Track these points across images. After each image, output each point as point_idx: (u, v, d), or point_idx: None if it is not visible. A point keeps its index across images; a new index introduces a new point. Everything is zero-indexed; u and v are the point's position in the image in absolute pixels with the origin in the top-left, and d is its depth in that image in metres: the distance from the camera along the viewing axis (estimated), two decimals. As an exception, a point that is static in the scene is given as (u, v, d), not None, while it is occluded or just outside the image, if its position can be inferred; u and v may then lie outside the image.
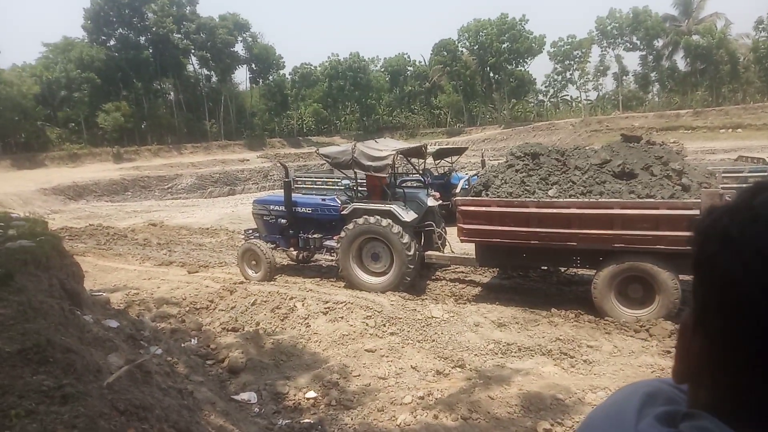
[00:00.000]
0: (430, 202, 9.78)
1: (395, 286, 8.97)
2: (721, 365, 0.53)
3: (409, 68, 67.06)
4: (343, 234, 9.22)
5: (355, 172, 9.63)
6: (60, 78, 45.68)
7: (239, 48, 56.45)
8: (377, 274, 9.28)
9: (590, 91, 61.43)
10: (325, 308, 8.01)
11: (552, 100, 65.48)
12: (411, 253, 8.81)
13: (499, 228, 8.03)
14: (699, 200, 6.76)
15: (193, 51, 53.83)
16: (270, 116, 60.46)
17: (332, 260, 10.11)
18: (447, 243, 9.71)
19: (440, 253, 9.59)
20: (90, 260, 11.74)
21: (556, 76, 61.54)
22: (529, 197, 7.92)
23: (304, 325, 7.66)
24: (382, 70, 67.29)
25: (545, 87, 64.01)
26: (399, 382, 5.93)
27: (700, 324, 0.55)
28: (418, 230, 9.52)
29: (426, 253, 9.47)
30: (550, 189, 7.98)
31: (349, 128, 63.95)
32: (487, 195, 8.34)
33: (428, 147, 12.25)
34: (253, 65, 58.45)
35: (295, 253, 11.21)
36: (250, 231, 11.20)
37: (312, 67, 64.58)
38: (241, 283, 9.65)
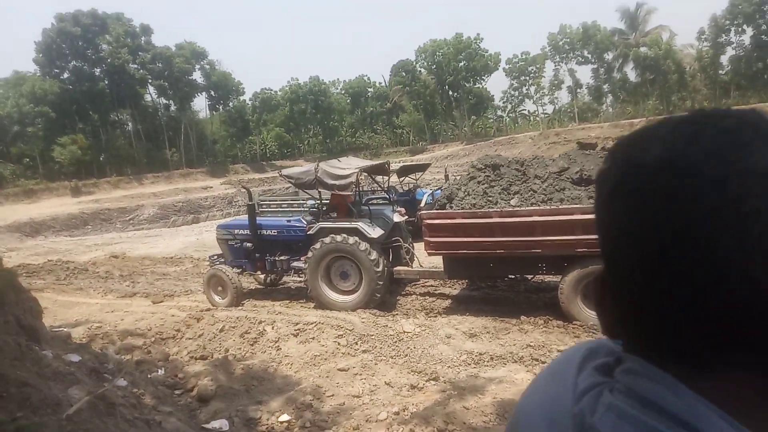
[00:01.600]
0: (396, 218, 9.79)
1: (365, 304, 8.90)
2: (626, 310, 0.55)
3: (369, 89, 67.78)
4: (310, 254, 9.13)
5: (320, 192, 9.58)
6: (12, 113, 44.58)
7: (197, 76, 56.23)
8: (347, 292, 9.21)
9: (547, 104, 63.24)
10: (296, 330, 7.89)
11: (510, 115, 66.98)
12: (380, 269, 8.77)
13: (465, 239, 8.08)
14: None
15: (150, 80, 53.28)
16: (232, 142, 60.06)
17: (300, 281, 9.99)
18: (415, 257, 9.72)
19: (409, 268, 9.58)
20: (49, 296, 11.33)
21: (513, 92, 63.11)
22: (492, 207, 8.03)
23: (274, 348, 7.52)
24: (343, 92, 67.80)
25: (503, 102, 65.55)
26: (373, 399, 5.87)
27: (603, 278, 0.57)
28: (385, 246, 9.50)
29: (395, 268, 9.45)
30: (512, 198, 8.11)
31: (313, 151, 63.97)
32: (451, 207, 8.39)
33: (392, 165, 12.33)
34: (212, 92, 58.17)
35: (262, 276, 11.05)
36: (215, 257, 10.99)
37: (272, 92, 64.61)
38: (208, 310, 9.44)
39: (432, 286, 10.42)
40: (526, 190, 8.14)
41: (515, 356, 6.71)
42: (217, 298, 9.89)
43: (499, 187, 8.38)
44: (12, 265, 14.43)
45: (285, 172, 10.14)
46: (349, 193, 9.29)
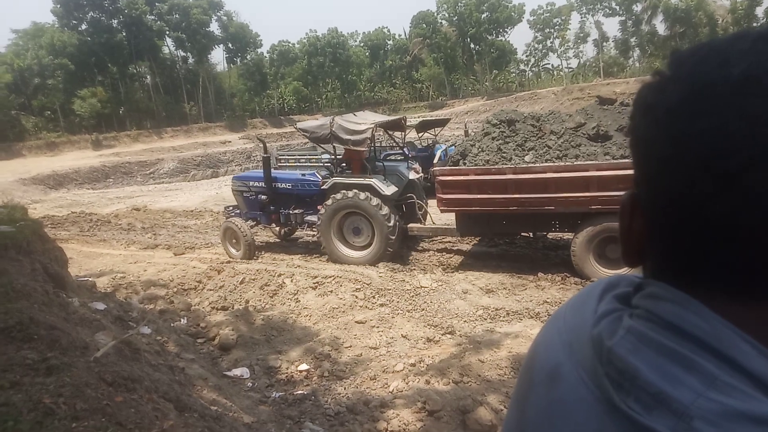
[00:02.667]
0: (411, 175, 9.74)
1: (378, 259, 8.96)
2: (654, 234, 0.54)
3: (388, 42, 66.44)
4: (323, 209, 9.17)
5: (334, 147, 9.51)
6: (32, 65, 44.69)
7: (215, 27, 55.58)
8: (359, 248, 9.27)
9: (571, 58, 61.72)
10: (314, 283, 8.01)
11: (533, 69, 65.46)
12: (391, 225, 8.80)
13: (478, 196, 8.04)
14: None
15: (167, 32, 52.81)
16: (250, 96, 59.70)
17: (314, 235, 10.05)
18: (428, 215, 9.70)
19: (422, 225, 9.58)
20: (74, 247, 11.60)
21: (536, 45, 61.51)
22: (506, 164, 7.93)
23: (293, 300, 7.66)
24: (362, 45, 66.57)
25: (526, 56, 64.01)
26: (390, 351, 5.98)
27: (636, 200, 0.56)
28: (399, 203, 9.50)
29: (408, 225, 9.46)
30: (527, 155, 8.00)
31: (331, 105, 63.40)
32: (464, 164, 8.31)
33: (410, 120, 12.14)
34: (230, 45, 57.56)
35: (278, 229, 11.14)
36: (231, 208, 11.08)
37: (290, 45, 63.70)
38: (228, 262, 9.60)
39: (449, 242, 10.44)
40: (542, 146, 8.02)
41: (531, 312, 6.75)
42: (233, 251, 10.03)
43: (514, 144, 8.26)
44: (37, 216, 14.76)
45: (300, 125, 10.06)
46: (364, 148, 9.19)
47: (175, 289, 8.36)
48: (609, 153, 7.50)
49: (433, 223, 9.64)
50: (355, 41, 67.06)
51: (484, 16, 57.26)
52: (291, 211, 9.99)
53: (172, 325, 6.68)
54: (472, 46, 60.84)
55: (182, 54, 56.75)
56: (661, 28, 51.93)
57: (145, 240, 12.44)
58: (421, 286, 7.78)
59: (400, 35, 66.80)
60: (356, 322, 6.74)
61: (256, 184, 10.34)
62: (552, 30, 58.98)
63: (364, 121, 9.36)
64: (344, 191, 8.97)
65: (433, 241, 10.59)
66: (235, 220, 10.12)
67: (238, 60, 59.19)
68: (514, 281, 7.92)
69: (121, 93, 49.69)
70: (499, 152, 8.19)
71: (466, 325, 6.58)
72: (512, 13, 57.43)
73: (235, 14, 56.71)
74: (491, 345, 5.85)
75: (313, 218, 9.68)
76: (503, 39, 60.58)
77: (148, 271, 9.58)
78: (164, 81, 53.98)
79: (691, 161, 0.47)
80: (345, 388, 5.25)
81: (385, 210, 8.76)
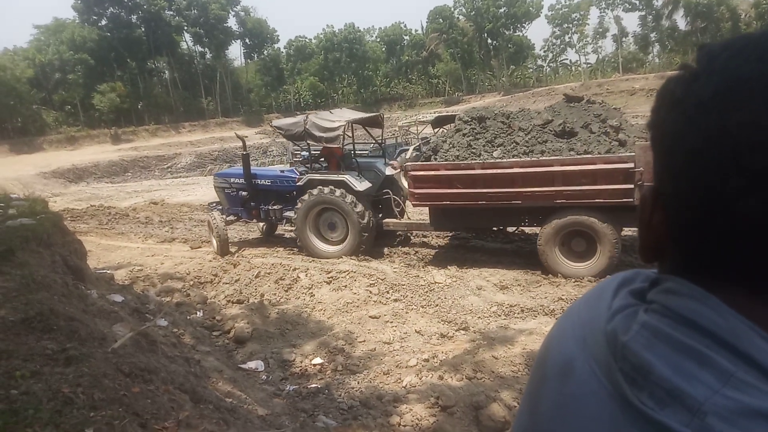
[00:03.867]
0: (388, 171, 9.84)
1: (351, 254, 9.15)
2: (677, 230, 0.53)
3: (405, 37, 66.23)
4: (299, 205, 9.36)
5: (308, 144, 9.72)
6: (53, 60, 45.32)
7: (232, 23, 55.92)
8: (334, 242, 9.47)
9: (590, 54, 61.03)
10: (329, 278, 8.04)
11: (551, 64, 64.89)
12: (365, 221, 8.99)
13: (448, 191, 8.25)
14: (633, 154, 7.03)
15: (185, 27, 53.23)
16: (266, 91, 59.99)
17: (291, 230, 10.13)
18: (405, 210, 9.80)
19: (397, 221, 9.72)
20: (93, 240, 11.77)
21: (554, 40, 60.91)
22: (475, 159, 8.14)
23: (308, 294, 7.70)
24: (378, 40, 66.47)
25: (544, 52, 63.44)
26: (404, 346, 5.99)
27: (658, 194, 0.55)
28: (376, 199, 9.68)
29: (384, 220, 9.63)
30: (495, 150, 8.23)
31: (347, 101, 63.43)
32: (436, 159, 8.52)
33: (425, 116, 12.09)
34: (247, 40, 57.89)
35: (262, 225, 11.27)
36: (214, 204, 11.26)
37: (307, 40, 63.84)
38: (244, 256, 9.68)
39: (464, 238, 10.41)
40: (510, 142, 8.24)
41: (546, 309, 6.71)
42: (216, 243, 10.19)
43: (484, 140, 8.47)
44: (57, 209, 15.00)
45: (275, 122, 10.23)
46: (336, 145, 9.36)
47: (192, 282, 8.45)
48: (574, 149, 7.70)
49: (408, 218, 9.83)
50: (372, 36, 67.01)
51: (501, 10, 56.79)
52: (270, 207, 10.15)
53: (188, 317, 6.76)
54: (489, 41, 60.41)
55: (200, 49, 57.27)
56: (681, 23, 51.17)
57: (162, 233, 12.58)
58: (435, 282, 7.78)
59: (416, 30, 66.67)
60: (370, 316, 6.75)
61: (237, 180, 10.53)
62: (570, 25, 58.34)
63: (338, 118, 9.52)
64: (319, 187, 9.18)
65: (447, 236, 10.57)
66: (213, 214, 10.26)
67: (256, 55, 59.47)
68: (528, 278, 7.88)
69: (140, 88, 50.25)
70: (469, 148, 8.40)
71: (480, 321, 6.57)
72: (530, 8, 56.92)
73: (253, 9, 57.12)
74: (505, 341, 5.82)
75: (290, 214, 9.82)
76: (521, 34, 60.10)
77: (165, 264, 9.69)
78: (182, 76, 54.45)
79: (723, 156, 0.47)
80: (358, 383, 5.28)
81: (359, 206, 8.97)
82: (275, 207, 10.09)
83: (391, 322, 6.58)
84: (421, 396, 4.74)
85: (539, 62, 65.61)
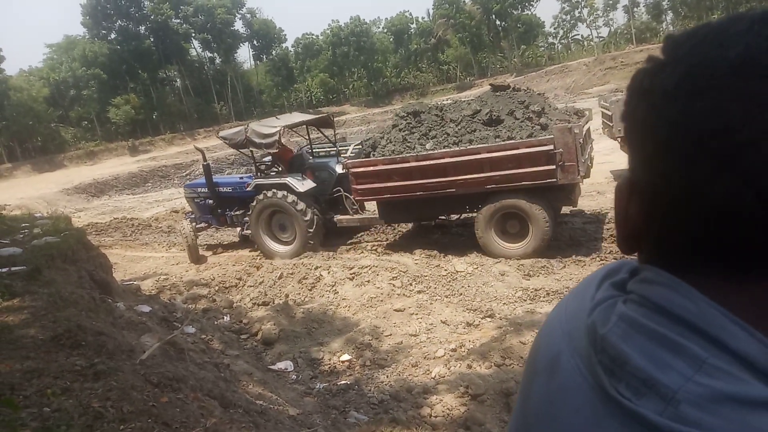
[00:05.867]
0: (339, 169, 10.12)
1: (301, 251, 9.51)
2: (650, 218, 0.54)
3: (411, 26, 65.81)
4: (251, 209, 9.83)
5: (252, 151, 10.18)
6: (67, 78, 46.09)
7: (239, 26, 56.14)
8: (286, 242, 9.93)
9: (601, 27, 59.98)
10: (351, 274, 8.06)
11: (563, 41, 63.99)
12: (307, 219, 9.43)
13: (388, 184, 8.63)
14: (552, 136, 7.41)
15: (193, 34, 53.67)
16: (278, 92, 60.24)
17: (248, 233, 10.46)
18: (356, 207, 10.03)
19: (349, 217, 10.01)
20: (118, 252, 11.97)
21: (564, 16, 59.97)
22: (409, 153, 8.49)
23: (331, 292, 7.73)
24: (385, 31, 66.17)
25: (554, 29, 62.56)
26: (430, 338, 5.98)
27: (633, 184, 0.56)
28: (330, 197, 10.13)
29: (336, 217, 9.95)
30: (428, 143, 8.58)
31: (358, 95, 63.37)
32: (374, 155, 8.89)
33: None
34: (255, 42, 58.14)
35: (238, 230, 11.42)
36: (188, 213, 11.63)
37: (314, 37, 63.78)
38: (266, 259, 9.77)
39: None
40: (442, 134, 8.61)
41: (572, 290, 6.64)
42: (187, 251, 10.55)
43: (419, 133, 8.85)
44: (81, 225, 15.27)
45: (221, 134, 10.57)
46: (274, 150, 9.72)
47: (217, 288, 8.55)
48: (500, 136, 8.05)
49: (361, 213, 10.09)
50: (378, 28, 66.73)
51: (508, -10, 56.05)
52: (234, 213, 10.58)
53: (215, 323, 6.84)
54: (497, 22, 59.71)
55: (209, 55, 57.73)
56: (694, -13, 49.91)
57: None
58: (457, 271, 7.74)
59: (423, 18, 66.16)
60: (395, 310, 6.76)
61: (204, 190, 10.95)
62: (579, -1, 57.37)
63: (279, 123, 9.93)
64: (265, 191, 9.59)
65: (466, 226, 10.51)
66: (183, 223, 10.76)
67: (264, 56, 59.71)
68: (552, 260, 7.81)
69: (153, 98, 50.85)
70: (404, 142, 8.78)
71: (506, 307, 6.52)
72: (536, -14, 56.06)
73: (258, 11, 57.22)
74: (532, 326, 5.78)
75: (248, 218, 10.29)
76: (529, 13, 59.27)
77: (189, 271, 9.83)
78: (193, 83, 54.95)
79: (689, 142, 0.47)
80: (387, 376, 5.29)
81: (301, 205, 9.38)
82: (238, 212, 10.59)
83: (416, 314, 6.58)
84: (451, 386, 4.74)
85: (550, 40, 64.81)
